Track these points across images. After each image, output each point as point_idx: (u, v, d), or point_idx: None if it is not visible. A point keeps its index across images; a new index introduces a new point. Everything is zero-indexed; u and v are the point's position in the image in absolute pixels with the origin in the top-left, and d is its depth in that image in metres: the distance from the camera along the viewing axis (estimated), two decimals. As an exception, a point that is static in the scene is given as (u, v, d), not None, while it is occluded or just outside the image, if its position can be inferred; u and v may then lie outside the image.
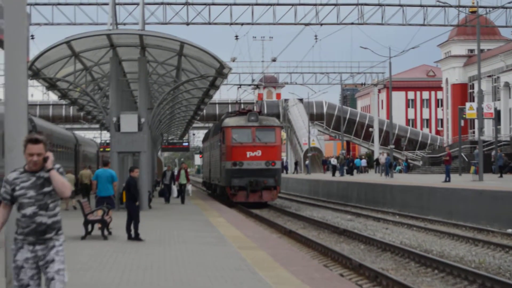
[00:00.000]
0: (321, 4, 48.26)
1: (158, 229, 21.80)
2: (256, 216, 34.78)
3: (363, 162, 79.12)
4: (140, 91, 33.04)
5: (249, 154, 40.15)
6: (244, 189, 40.10)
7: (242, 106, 60.44)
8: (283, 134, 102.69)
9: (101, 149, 67.25)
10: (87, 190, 34.25)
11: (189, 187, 37.30)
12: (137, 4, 44.34)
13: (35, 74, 31.55)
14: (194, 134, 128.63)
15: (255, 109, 49.41)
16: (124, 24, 45.38)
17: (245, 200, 40.21)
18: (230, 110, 54.40)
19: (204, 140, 67.94)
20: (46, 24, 45.81)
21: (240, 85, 54.11)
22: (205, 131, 71.52)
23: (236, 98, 66.89)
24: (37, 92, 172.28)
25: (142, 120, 31.42)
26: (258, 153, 40.23)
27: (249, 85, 59.37)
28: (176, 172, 38.51)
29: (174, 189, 36.16)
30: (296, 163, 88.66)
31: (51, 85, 35.49)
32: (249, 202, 40.32)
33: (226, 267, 13.56)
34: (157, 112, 35.67)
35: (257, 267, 13.56)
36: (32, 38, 46.95)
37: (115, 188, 23.34)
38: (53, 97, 75.96)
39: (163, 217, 27.32)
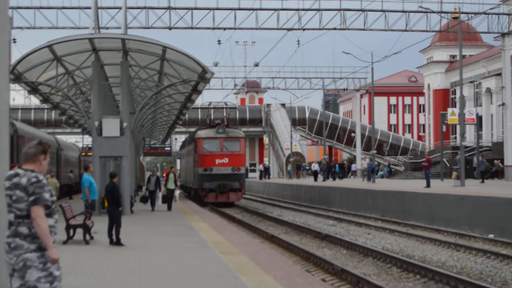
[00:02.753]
0: (303, 9, 48.23)
1: (140, 234, 21.74)
2: (238, 221, 34.83)
3: (353, 167, 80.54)
4: (122, 95, 32.94)
5: (217, 161, 45.98)
6: (214, 191, 45.86)
7: (225, 111, 65.72)
8: (265, 139, 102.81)
9: (83, 154, 67.17)
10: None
11: (177, 193, 36.64)
12: (120, 8, 44.14)
13: (17, 78, 31.38)
14: (176, 139, 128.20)
15: (225, 120, 54.31)
16: (107, 28, 45.12)
17: (214, 201, 45.95)
18: (212, 115, 59.14)
19: (181, 148, 72.52)
20: (28, 27, 45.49)
21: (210, 102, 60.09)
22: (187, 135, 72.27)
23: (207, 113, 72.78)
24: (18, 96, 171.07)
25: (124, 124, 31.32)
26: (226, 160, 46.00)
27: (218, 102, 65.53)
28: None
29: (160, 195, 35.12)
30: (267, 169, 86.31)
31: (33, 89, 35.33)
32: (218, 202, 46.01)
33: (208, 272, 13.53)
34: (139, 117, 35.57)
35: (239, 272, 13.54)
36: (14, 42, 46.65)
37: (86, 193, 23.35)
38: (35, 101, 75.60)
39: (145, 222, 27.23)
